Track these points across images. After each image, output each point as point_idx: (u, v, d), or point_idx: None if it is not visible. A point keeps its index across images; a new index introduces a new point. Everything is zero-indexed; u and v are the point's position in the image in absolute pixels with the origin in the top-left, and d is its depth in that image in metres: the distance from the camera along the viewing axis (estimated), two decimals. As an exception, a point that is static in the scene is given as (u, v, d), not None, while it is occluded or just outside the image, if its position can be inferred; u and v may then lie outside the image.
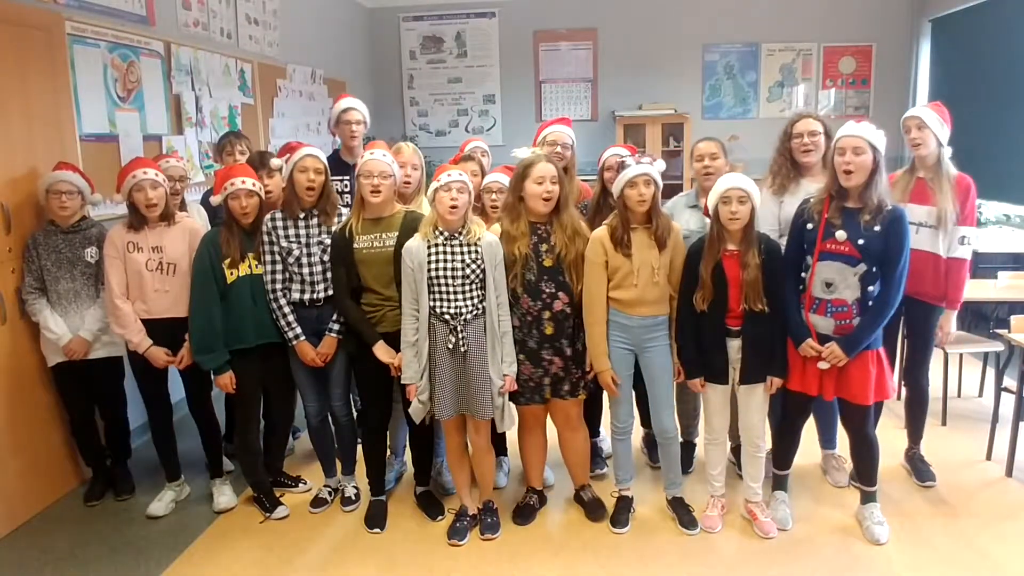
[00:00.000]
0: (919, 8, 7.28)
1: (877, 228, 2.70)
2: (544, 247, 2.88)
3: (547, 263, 2.87)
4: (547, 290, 2.87)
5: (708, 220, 2.95)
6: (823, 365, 2.79)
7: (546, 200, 2.84)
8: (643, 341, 2.93)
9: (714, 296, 2.80)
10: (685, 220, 3.15)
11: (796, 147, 3.18)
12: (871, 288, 2.75)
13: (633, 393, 3.08)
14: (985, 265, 5.10)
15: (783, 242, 2.97)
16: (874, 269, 2.73)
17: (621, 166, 2.87)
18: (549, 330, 2.89)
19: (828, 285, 2.76)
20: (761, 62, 7.66)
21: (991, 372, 4.35)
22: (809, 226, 2.80)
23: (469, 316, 2.83)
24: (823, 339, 2.79)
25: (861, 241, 2.70)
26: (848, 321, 2.76)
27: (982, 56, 6.23)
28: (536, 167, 2.85)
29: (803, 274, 2.84)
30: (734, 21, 7.56)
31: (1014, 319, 3.57)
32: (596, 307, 2.88)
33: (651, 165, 2.82)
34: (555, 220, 2.90)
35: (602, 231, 2.89)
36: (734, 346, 2.88)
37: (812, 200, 2.84)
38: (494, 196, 3.12)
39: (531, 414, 3.06)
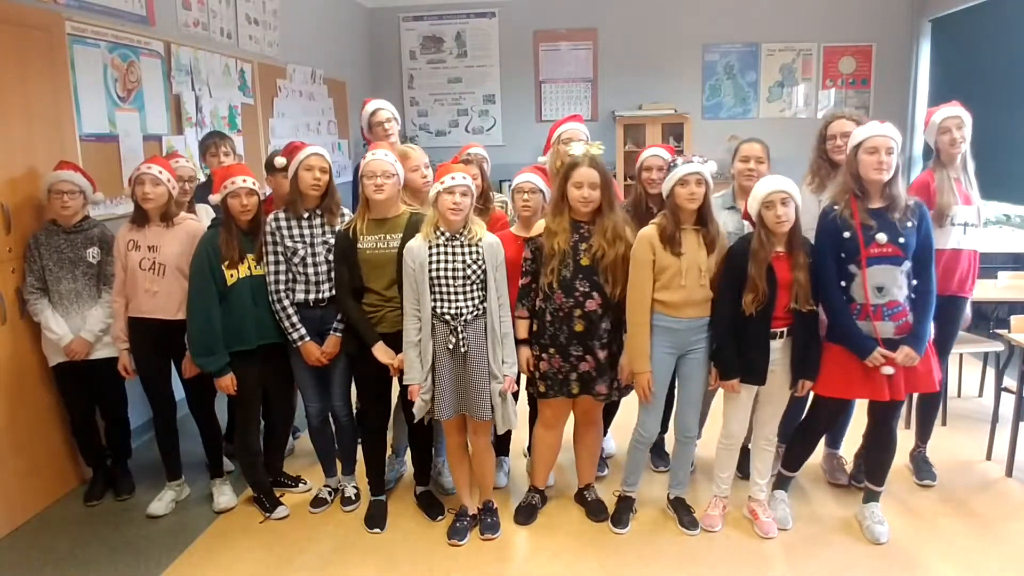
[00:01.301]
0: (919, 8, 7.28)
1: (910, 224, 2.74)
2: (583, 246, 2.86)
3: (584, 262, 2.85)
4: (581, 288, 2.85)
5: (745, 223, 2.93)
6: (889, 371, 2.76)
7: (582, 204, 2.83)
8: (688, 344, 2.90)
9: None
10: (722, 222, 3.09)
11: (831, 148, 3.21)
12: (914, 283, 2.79)
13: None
14: (985, 265, 5.07)
15: None
16: (913, 264, 2.77)
17: (669, 166, 2.85)
18: (579, 327, 2.86)
19: (880, 290, 2.75)
20: (761, 62, 7.66)
21: (991, 372, 4.35)
22: (846, 235, 2.76)
23: (469, 317, 2.83)
24: (886, 344, 2.78)
25: (902, 240, 2.73)
26: (905, 320, 2.78)
27: (982, 56, 6.23)
28: (577, 171, 2.83)
29: (842, 284, 2.80)
30: (734, 21, 7.55)
31: (1014, 319, 3.57)
32: (643, 308, 2.84)
33: (703, 164, 2.80)
34: (597, 221, 2.88)
35: (650, 230, 2.85)
36: (776, 347, 2.86)
37: (837, 207, 2.80)
38: (526, 196, 3.09)
39: (555, 411, 3.05)
